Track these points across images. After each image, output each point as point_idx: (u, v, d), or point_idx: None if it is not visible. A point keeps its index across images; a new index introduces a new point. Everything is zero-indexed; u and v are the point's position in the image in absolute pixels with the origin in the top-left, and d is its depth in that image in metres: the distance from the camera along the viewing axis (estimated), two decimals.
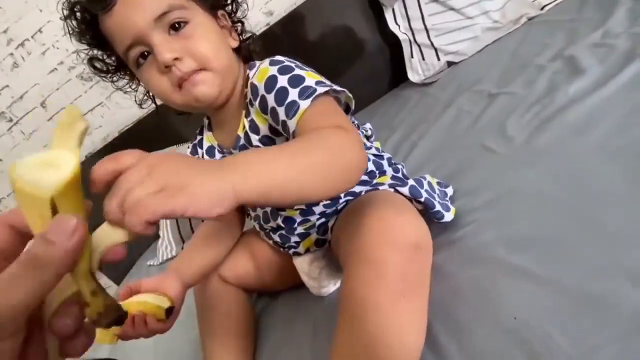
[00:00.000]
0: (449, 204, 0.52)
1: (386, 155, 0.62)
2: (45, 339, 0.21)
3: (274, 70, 0.47)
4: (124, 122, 1.34)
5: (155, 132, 1.32)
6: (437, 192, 0.53)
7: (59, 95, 1.28)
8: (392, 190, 0.52)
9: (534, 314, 0.34)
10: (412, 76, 1.11)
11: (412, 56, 1.12)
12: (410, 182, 0.52)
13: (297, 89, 0.43)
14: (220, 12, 0.53)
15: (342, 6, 1.21)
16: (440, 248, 0.47)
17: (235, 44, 0.54)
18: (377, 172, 0.57)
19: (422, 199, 0.49)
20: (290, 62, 0.48)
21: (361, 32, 1.24)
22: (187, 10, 0.47)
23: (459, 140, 0.71)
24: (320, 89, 0.43)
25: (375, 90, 1.30)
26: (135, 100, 0.62)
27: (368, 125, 0.66)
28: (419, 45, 1.10)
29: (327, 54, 1.26)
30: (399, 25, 1.13)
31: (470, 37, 1.04)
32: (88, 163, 0.87)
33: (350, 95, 0.51)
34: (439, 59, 1.07)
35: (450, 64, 1.06)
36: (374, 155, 0.60)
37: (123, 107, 1.33)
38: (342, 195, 0.54)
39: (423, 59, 1.09)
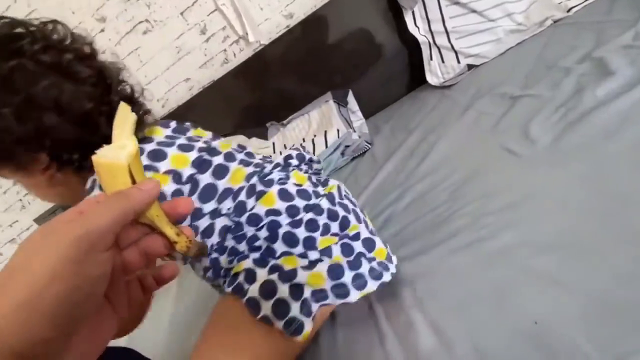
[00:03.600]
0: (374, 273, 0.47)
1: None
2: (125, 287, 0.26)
3: None
4: None
5: None
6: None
7: None
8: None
9: (557, 319, 0.33)
10: (431, 79, 1.10)
11: (431, 59, 1.11)
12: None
13: None
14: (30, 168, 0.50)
15: (361, 8, 1.21)
16: (458, 251, 0.46)
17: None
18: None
19: (259, 315, 0.44)
20: None
21: (379, 35, 1.24)
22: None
23: (479, 142, 0.69)
24: None
25: (392, 92, 1.29)
26: None
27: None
28: (438, 48, 1.09)
29: (346, 57, 1.27)
30: (418, 28, 1.12)
31: (492, 39, 1.02)
32: None
33: None
34: (459, 62, 1.06)
35: (470, 67, 1.04)
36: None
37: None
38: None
39: (442, 61, 1.08)
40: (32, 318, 0.19)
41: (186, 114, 1.35)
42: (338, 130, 1.13)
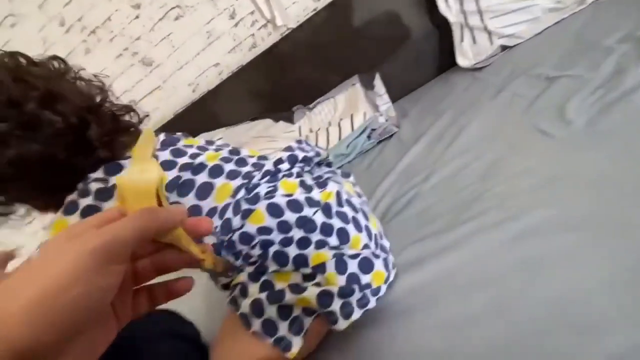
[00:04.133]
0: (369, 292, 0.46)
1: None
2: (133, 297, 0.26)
3: None
4: (179, 105, 1.44)
5: (203, 115, 1.41)
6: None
7: (123, 78, 1.40)
8: None
9: (586, 291, 0.34)
10: (462, 61, 1.08)
11: (462, 40, 1.08)
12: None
13: None
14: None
15: None
16: (486, 229, 0.48)
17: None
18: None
19: (251, 330, 0.46)
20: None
21: (408, 17, 1.22)
22: None
23: (511, 124, 0.69)
24: None
25: (421, 75, 1.28)
26: None
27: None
28: (470, 29, 1.06)
29: (373, 39, 1.26)
30: (450, 9, 1.10)
31: (528, 18, 0.98)
32: None
33: None
34: (491, 43, 1.03)
35: (504, 47, 1.01)
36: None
37: (178, 91, 1.43)
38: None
39: (474, 42, 1.05)
40: (39, 320, 0.19)
41: (215, 98, 1.40)
42: (364, 114, 1.13)
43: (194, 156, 0.51)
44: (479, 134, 0.72)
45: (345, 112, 1.21)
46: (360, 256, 0.48)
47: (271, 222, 0.47)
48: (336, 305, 0.45)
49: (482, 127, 0.74)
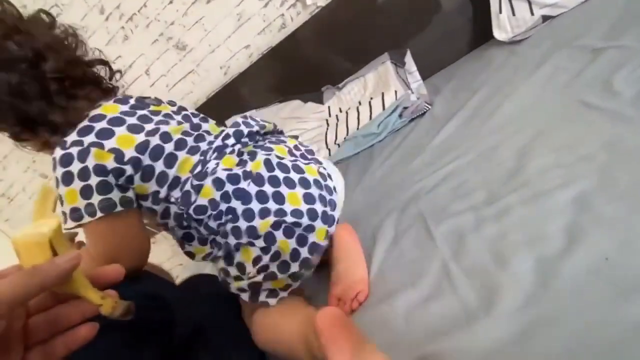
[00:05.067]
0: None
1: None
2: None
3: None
4: (211, 88, 1.48)
5: (233, 98, 1.45)
6: None
7: (159, 64, 1.46)
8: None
9: (627, 255, 0.35)
10: (499, 34, 1.04)
11: (500, 12, 1.04)
12: None
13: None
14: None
15: None
16: (526, 200, 0.49)
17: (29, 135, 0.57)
18: None
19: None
20: (55, 172, 0.52)
21: None
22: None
23: (553, 98, 0.67)
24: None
25: (453, 50, 1.24)
26: None
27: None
28: (509, 0, 1.02)
29: (403, 14, 1.23)
30: None
31: None
32: None
33: None
34: (532, 14, 0.98)
35: (545, 18, 0.96)
36: None
37: (210, 75, 1.47)
38: None
39: (513, 14, 1.01)
40: None
41: (245, 81, 1.43)
42: (396, 92, 1.13)
43: (159, 123, 0.56)
44: (518, 109, 0.71)
45: (376, 90, 1.21)
46: (302, 220, 0.56)
47: (217, 195, 0.54)
48: (294, 268, 0.56)
49: (521, 101, 0.73)
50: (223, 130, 0.62)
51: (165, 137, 0.55)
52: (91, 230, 0.52)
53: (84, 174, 0.50)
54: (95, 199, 0.50)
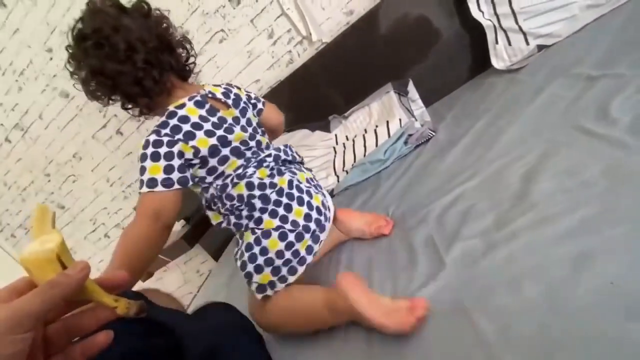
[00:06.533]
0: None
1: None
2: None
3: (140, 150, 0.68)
4: None
5: None
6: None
7: None
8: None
9: (633, 279, 0.36)
10: (497, 63, 1.09)
11: (496, 42, 1.09)
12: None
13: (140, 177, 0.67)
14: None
15: None
16: (533, 225, 0.50)
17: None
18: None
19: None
20: (146, 150, 0.67)
21: (439, 23, 1.25)
22: None
23: (553, 124, 0.70)
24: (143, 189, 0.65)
25: (454, 78, 1.30)
26: None
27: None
28: (504, 31, 1.08)
29: (406, 47, 1.30)
30: (482, 12, 1.12)
31: (565, 17, 0.98)
32: None
33: None
34: (527, 44, 1.03)
35: (541, 47, 1.01)
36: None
37: None
38: None
39: (509, 44, 1.07)
40: None
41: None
42: (400, 120, 1.17)
43: (226, 131, 0.73)
44: (520, 136, 0.74)
45: (381, 119, 1.26)
46: (297, 230, 0.70)
47: (246, 193, 0.71)
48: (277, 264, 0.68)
49: (522, 128, 0.76)
50: (268, 147, 0.80)
51: (226, 143, 0.72)
52: (161, 196, 0.66)
53: (170, 155, 0.66)
54: (175, 175, 0.66)
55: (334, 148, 1.33)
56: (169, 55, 0.72)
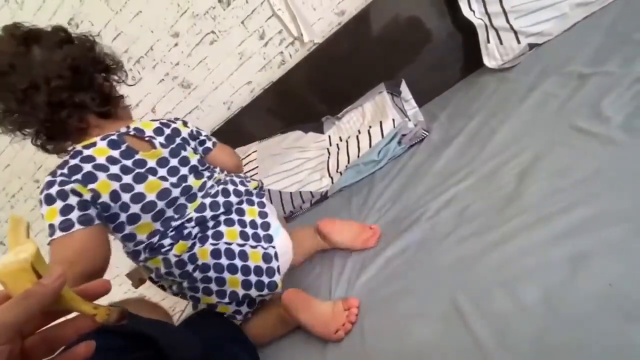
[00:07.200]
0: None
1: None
2: None
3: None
4: (215, 122, 1.53)
5: (237, 131, 1.49)
6: None
7: (165, 101, 1.52)
8: None
9: (631, 281, 0.36)
10: (489, 62, 1.09)
11: (488, 41, 1.09)
12: None
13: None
14: None
15: None
16: (529, 226, 0.50)
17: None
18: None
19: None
20: (41, 195, 0.59)
21: (430, 22, 1.24)
22: None
23: (546, 123, 0.70)
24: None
25: (446, 77, 1.29)
26: None
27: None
28: (495, 30, 1.08)
29: (398, 47, 1.29)
30: (473, 11, 1.12)
31: (556, 15, 0.98)
32: None
33: None
34: (519, 42, 1.03)
35: (532, 46, 1.01)
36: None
37: (214, 110, 1.53)
38: None
39: (501, 43, 1.06)
40: None
41: (247, 114, 1.48)
42: (393, 120, 1.16)
43: (137, 178, 0.65)
44: (513, 135, 0.74)
45: (374, 119, 1.25)
46: (238, 300, 0.69)
47: (163, 270, 0.67)
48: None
49: (515, 127, 0.75)
50: (195, 197, 0.70)
51: (137, 197, 0.63)
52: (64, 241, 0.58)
53: (63, 194, 0.58)
54: (74, 215, 0.57)
55: (328, 149, 1.32)
56: (84, 94, 0.63)
